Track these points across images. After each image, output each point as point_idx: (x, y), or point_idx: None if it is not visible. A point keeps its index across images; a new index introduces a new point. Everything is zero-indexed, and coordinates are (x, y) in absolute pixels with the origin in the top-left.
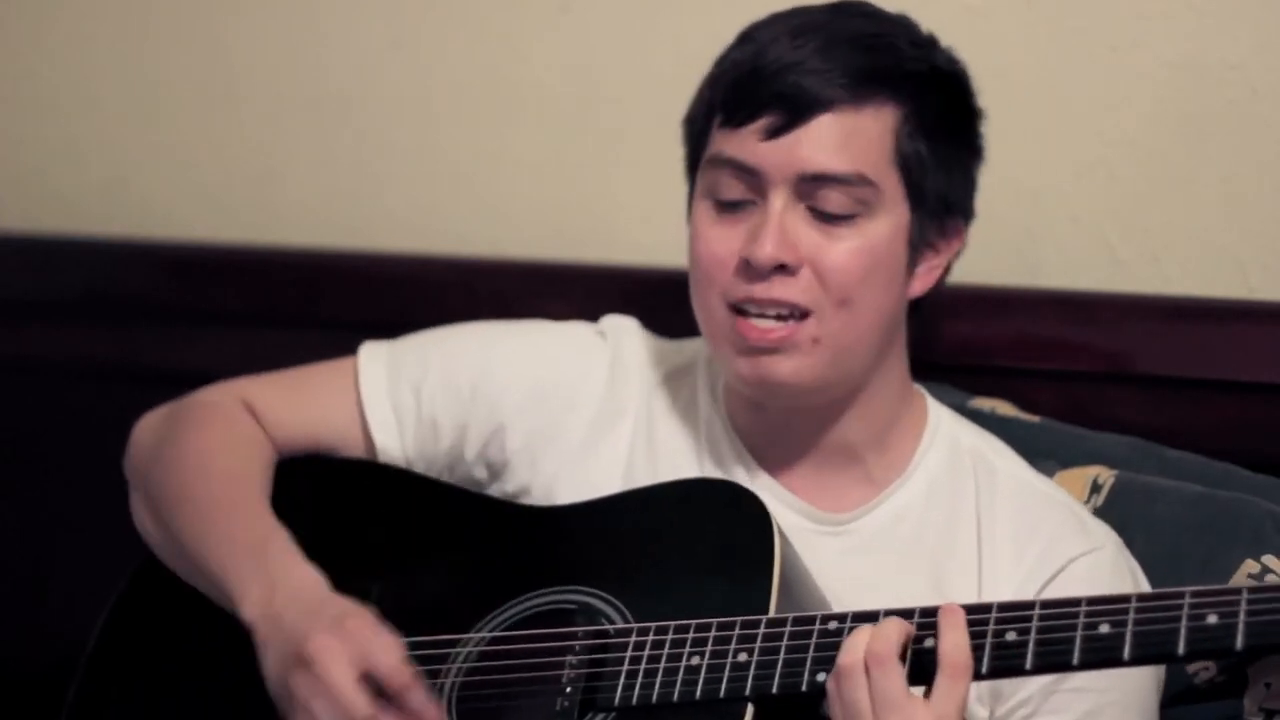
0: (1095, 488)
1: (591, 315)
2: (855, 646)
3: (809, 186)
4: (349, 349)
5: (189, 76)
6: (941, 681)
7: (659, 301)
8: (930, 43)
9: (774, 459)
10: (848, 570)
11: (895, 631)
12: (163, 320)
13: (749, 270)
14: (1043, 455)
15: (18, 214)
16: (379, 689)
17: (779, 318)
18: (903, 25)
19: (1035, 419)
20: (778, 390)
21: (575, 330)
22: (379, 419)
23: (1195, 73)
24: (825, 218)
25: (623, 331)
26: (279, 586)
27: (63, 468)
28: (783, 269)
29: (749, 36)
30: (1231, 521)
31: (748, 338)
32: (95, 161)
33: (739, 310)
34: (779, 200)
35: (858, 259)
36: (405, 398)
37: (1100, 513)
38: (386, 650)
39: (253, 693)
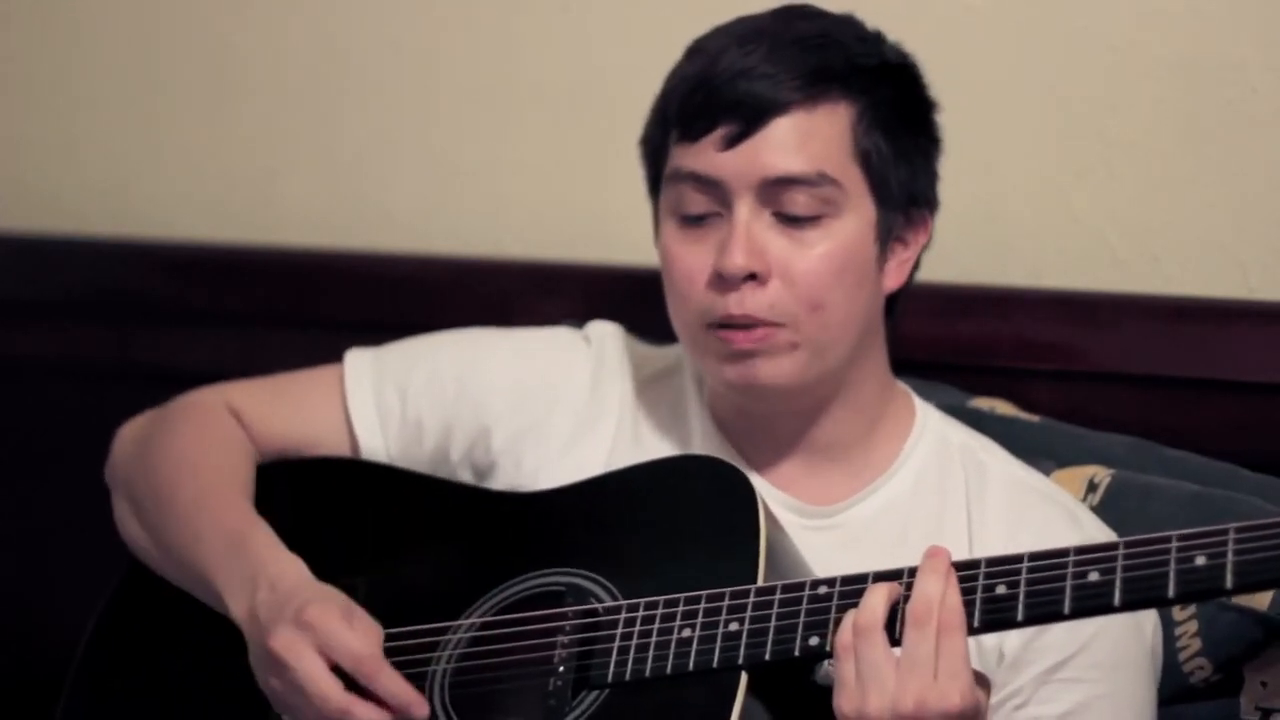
0: (1092, 487)
1: (591, 315)
2: (876, 605)
3: (772, 191)
4: (349, 349)
5: (188, 77)
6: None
7: (657, 301)
8: (877, 38)
9: (761, 457)
10: (837, 564)
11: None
12: (163, 320)
13: (721, 282)
14: (1042, 454)
15: (17, 214)
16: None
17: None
18: (848, 23)
19: (1035, 419)
20: (763, 392)
21: (560, 334)
22: (363, 419)
23: (1195, 73)
24: (792, 221)
25: (607, 336)
26: (259, 582)
27: (61, 468)
28: (753, 278)
29: (697, 50)
30: (1228, 520)
31: (732, 343)
32: (95, 162)
33: (717, 325)
34: (744, 209)
35: (826, 263)
36: (390, 398)
37: (1096, 512)
38: (349, 639)
39: (248, 692)
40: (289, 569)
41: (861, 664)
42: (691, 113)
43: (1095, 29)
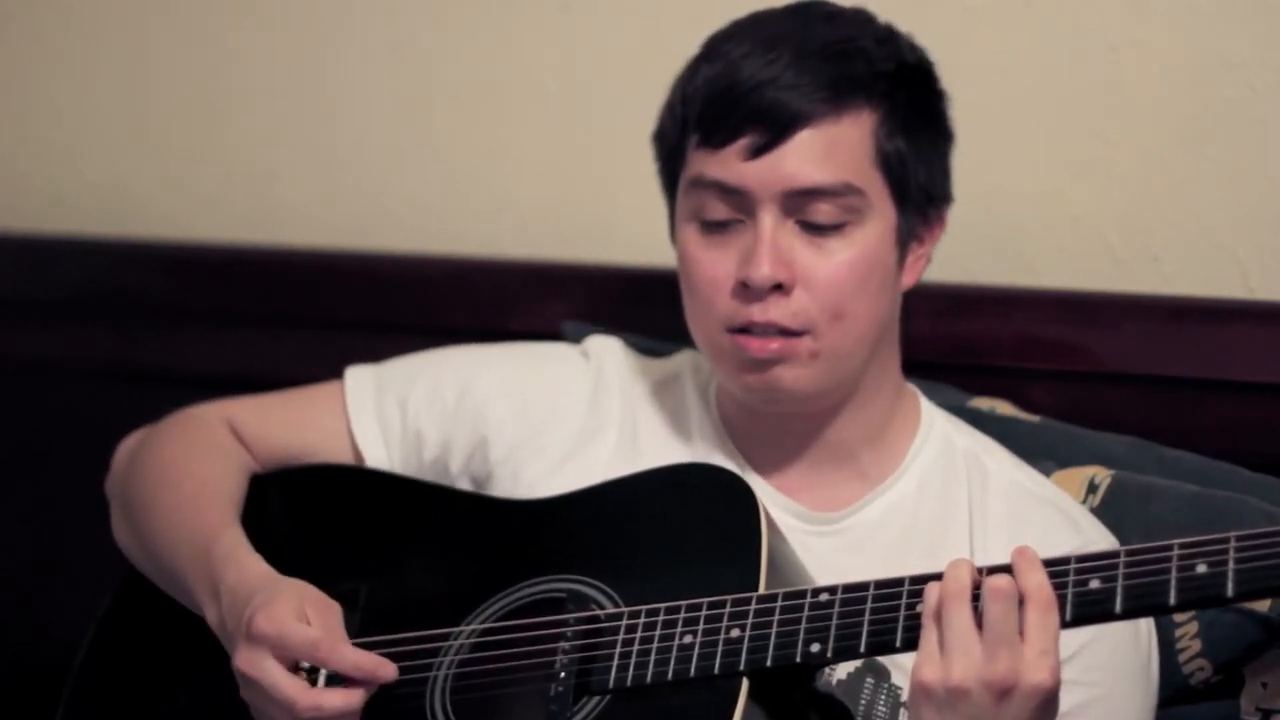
0: (1092, 488)
1: (591, 315)
2: (962, 575)
3: (797, 202)
4: (349, 349)
5: (188, 77)
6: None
7: (658, 301)
8: (891, 35)
9: (768, 461)
10: (840, 568)
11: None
12: (162, 320)
13: (746, 292)
14: (1041, 455)
15: (17, 214)
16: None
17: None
18: (865, 22)
19: (1035, 419)
20: (781, 398)
21: (559, 349)
22: (365, 433)
23: (1195, 73)
24: (816, 230)
25: (606, 350)
26: (219, 591)
27: (62, 467)
28: (778, 288)
29: (715, 52)
30: (1227, 521)
31: (749, 350)
32: (95, 162)
33: (738, 330)
34: (768, 218)
35: (850, 271)
36: (391, 411)
37: (1097, 513)
38: (298, 633)
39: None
40: (247, 571)
41: (947, 632)
42: (715, 121)
43: (1095, 29)
